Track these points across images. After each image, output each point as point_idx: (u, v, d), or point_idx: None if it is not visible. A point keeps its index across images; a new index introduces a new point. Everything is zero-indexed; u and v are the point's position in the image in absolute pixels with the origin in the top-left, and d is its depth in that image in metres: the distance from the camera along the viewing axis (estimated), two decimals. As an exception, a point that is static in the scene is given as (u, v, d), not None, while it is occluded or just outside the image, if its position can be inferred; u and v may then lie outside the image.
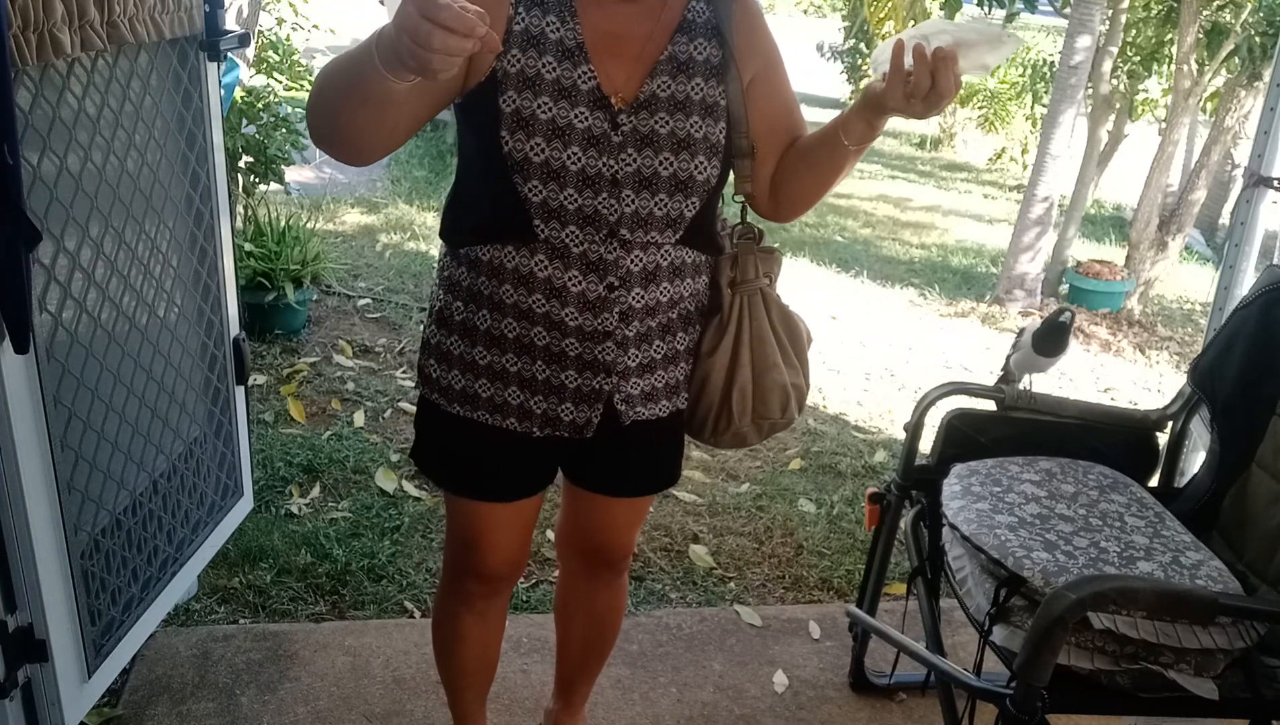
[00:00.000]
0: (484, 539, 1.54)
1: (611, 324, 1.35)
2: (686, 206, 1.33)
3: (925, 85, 1.14)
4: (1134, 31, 5.71)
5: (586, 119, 1.28)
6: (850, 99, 11.61)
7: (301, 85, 4.09)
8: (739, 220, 1.46)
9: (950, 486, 1.80)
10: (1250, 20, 4.89)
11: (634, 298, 1.35)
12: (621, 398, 1.41)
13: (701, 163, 1.32)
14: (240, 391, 2.16)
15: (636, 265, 1.33)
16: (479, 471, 1.48)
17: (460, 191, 1.40)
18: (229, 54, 2.30)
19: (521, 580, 2.47)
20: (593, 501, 1.58)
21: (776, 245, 1.49)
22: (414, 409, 1.56)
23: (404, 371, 3.64)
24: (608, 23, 1.30)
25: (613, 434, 1.43)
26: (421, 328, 1.50)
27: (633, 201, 1.30)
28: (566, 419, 1.41)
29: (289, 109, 3.90)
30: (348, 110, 1.17)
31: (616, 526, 1.62)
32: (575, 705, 1.92)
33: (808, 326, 1.54)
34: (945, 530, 1.75)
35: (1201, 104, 5.52)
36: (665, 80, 1.31)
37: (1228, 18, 5.01)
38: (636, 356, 1.40)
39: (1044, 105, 6.98)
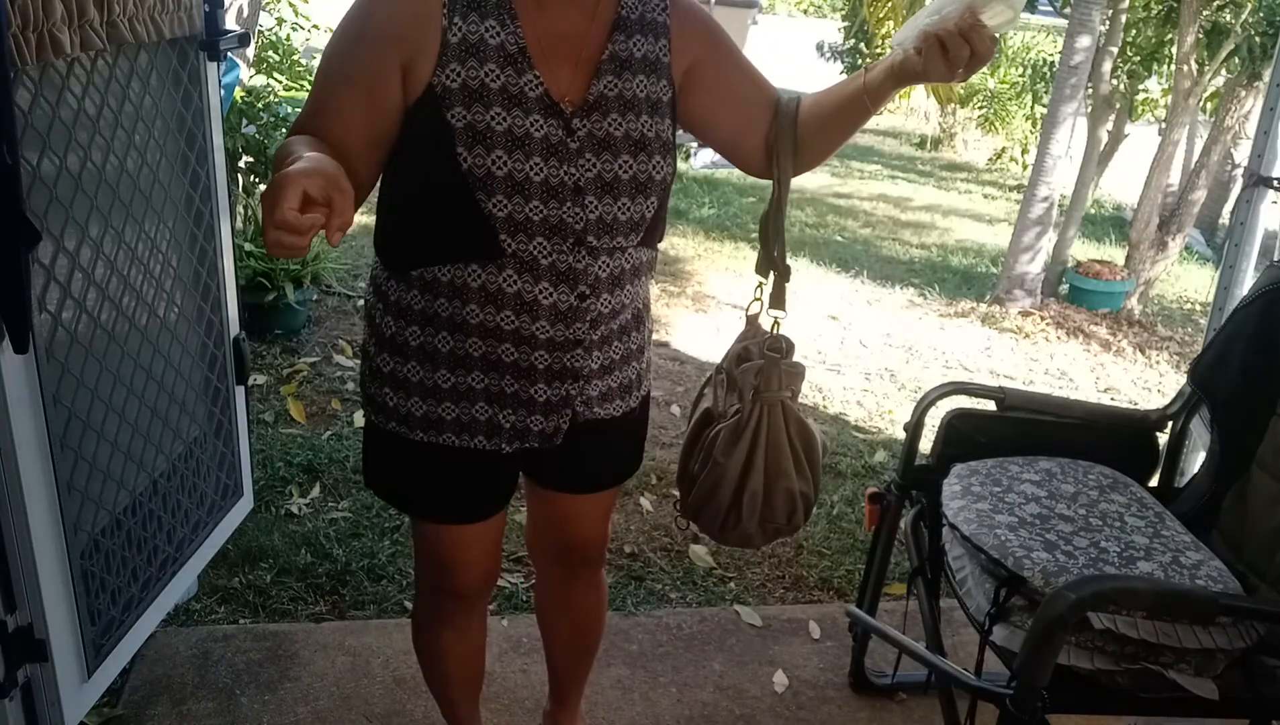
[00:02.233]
0: (458, 559, 1.53)
1: (582, 332, 1.34)
2: (647, 207, 1.33)
3: (965, 54, 1.18)
4: (1134, 31, 5.71)
5: (542, 127, 1.25)
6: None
7: (301, 85, 4.09)
8: (769, 331, 1.49)
9: (950, 486, 1.80)
10: (1250, 20, 4.89)
11: (602, 303, 1.34)
12: (582, 400, 1.41)
13: (658, 162, 1.33)
14: (240, 391, 2.16)
15: (605, 271, 1.33)
16: (448, 495, 1.47)
17: (405, 212, 1.34)
18: (229, 54, 2.30)
19: (520, 580, 2.47)
20: (558, 500, 1.58)
21: (803, 363, 1.52)
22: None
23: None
24: (548, 22, 1.27)
25: (573, 436, 1.43)
26: (362, 355, 1.47)
27: (596, 207, 1.29)
28: (536, 430, 1.40)
29: (289, 109, 3.90)
30: None
31: (586, 520, 1.62)
32: (571, 706, 1.91)
33: (824, 437, 1.58)
34: (945, 530, 1.75)
35: (1201, 104, 5.52)
36: (611, 80, 1.30)
37: (1228, 18, 5.01)
38: (599, 359, 1.40)
39: (1044, 105, 6.97)
